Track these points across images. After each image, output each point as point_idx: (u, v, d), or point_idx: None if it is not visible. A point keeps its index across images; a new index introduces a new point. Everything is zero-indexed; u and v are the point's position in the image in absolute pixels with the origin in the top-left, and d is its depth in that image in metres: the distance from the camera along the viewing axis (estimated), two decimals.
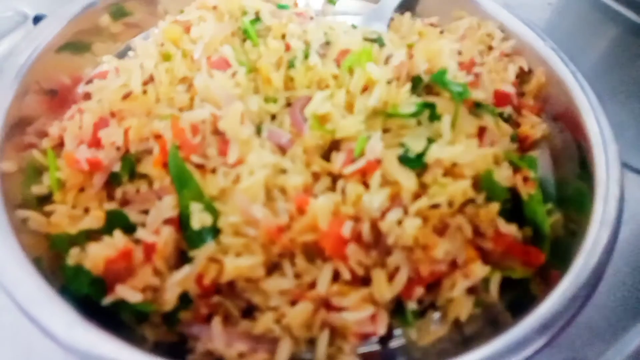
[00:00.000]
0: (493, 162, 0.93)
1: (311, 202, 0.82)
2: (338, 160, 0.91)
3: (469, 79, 1.02)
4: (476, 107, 1.00)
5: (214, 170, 0.88)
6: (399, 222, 0.83)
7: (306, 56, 1.02)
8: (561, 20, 1.33)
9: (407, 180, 0.86)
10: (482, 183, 0.90)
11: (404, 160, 0.89)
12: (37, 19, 1.33)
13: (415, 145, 0.89)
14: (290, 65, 1.03)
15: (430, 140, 0.90)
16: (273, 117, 1.02)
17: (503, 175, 0.92)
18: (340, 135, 0.93)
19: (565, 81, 1.02)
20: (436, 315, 0.89)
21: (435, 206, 0.84)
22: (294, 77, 1.02)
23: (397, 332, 0.88)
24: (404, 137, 0.92)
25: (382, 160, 0.87)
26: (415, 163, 0.89)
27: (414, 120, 0.94)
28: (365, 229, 0.83)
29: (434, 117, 0.95)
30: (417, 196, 0.87)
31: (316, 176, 0.93)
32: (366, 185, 0.88)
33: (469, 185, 0.86)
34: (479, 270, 0.84)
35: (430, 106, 0.95)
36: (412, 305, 0.84)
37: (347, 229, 0.80)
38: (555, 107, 1.05)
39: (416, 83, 1.01)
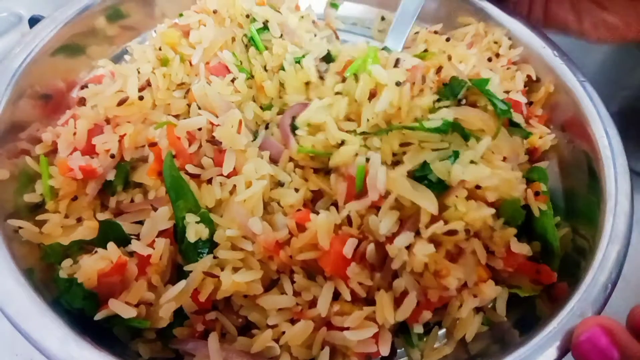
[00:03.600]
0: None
1: (312, 218, 0.79)
2: (339, 190, 0.86)
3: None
4: (510, 127, 0.94)
5: (209, 181, 0.86)
6: (409, 246, 0.79)
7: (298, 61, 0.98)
8: None
9: (429, 203, 0.79)
10: (505, 210, 0.86)
11: (425, 183, 0.82)
12: (32, 21, 1.31)
13: (441, 170, 0.82)
14: (281, 68, 1.00)
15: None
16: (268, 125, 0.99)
17: (519, 192, 0.87)
18: (334, 163, 0.88)
19: (574, 90, 0.99)
20: (441, 332, 0.87)
21: (451, 232, 0.78)
22: (284, 80, 0.99)
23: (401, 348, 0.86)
24: (425, 152, 0.85)
25: (393, 187, 0.81)
26: (438, 187, 0.82)
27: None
28: (370, 250, 0.80)
29: (465, 136, 0.87)
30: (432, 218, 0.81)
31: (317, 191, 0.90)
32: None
33: (491, 214, 0.81)
34: (490, 290, 0.82)
35: (458, 127, 0.87)
36: (417, 329, 0.82)
37: (349, 249, 0.77)
38: (564, 117, 1.02)
39: (455, 87, 0.93)
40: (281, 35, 1.07)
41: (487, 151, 0.86)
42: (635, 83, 1.25)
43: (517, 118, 0.94)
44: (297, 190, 0.88)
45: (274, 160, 0.92)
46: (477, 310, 0.85)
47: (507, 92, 1.02)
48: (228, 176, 0.84)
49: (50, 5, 1.04)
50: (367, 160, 0.83)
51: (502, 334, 0.84)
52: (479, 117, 0.88)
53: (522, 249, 0.84)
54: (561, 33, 1.09)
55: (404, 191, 0.79)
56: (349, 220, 0.83)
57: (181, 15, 1.10)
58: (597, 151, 0.91)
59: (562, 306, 0.77)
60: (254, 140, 0.93)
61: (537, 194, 0.90)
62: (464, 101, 0.92)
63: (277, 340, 0.76)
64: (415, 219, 0.81)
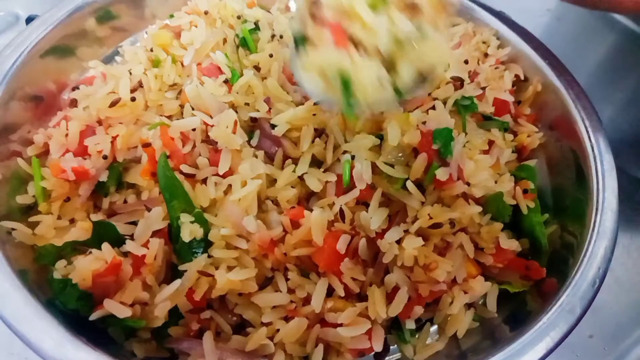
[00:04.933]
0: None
1: (306, 215, 0.80)
2: (328, 189, 0.88)
3: (477, 92, 1.00)
4: (484, 120, 0.99)
5: (204, 181, 0.86)
6: (399, 241, 0.81)
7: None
8: (560, 26, 1.33)
9: (414, 201, 0.84)
10: (490, 205, 0.88)
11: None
12: (29, 21, 1.30)
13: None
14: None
15: None
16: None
17: (506, 189, 0.90)
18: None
19: (561, 90, 1.01)
20: (433, 328, 0.87)
21: (437, 225, 0.82)
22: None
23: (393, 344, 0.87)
24: None
25: (379, 184, 0.85)
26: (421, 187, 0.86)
27: None
28: (362, 245, 0.81)
29: None
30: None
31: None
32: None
33: (478, 211, 0.85)
34: (480, 286, 0.83)
35: None
36: (410, 325, 0.83)
37: (342, 244, 0.79)
38: (551, 116, 1.04)
39: None
40: (272, 35, 1.08)
41: (464, 148, 0.90)
42: (630, 86, 1.26)
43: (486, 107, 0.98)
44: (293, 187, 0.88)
45: (270, 159, 0.92)
46: (468, 306, 0.86)
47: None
48: (223, 176, 0.84)
49: (48, 6, 1.03)
50: (353, 157, 0.86)
51: (493, 330, 0.85)
52: (442, 119, 0.90)
53: (511, 244, 0.86)
54: (589, 6, 1.00)
55: (388, 187, 0.84)
56: (341, 217, 0.84)
57: (172, 16, 1.10)
58: (584, 149, 0.93)
59: (551, 301, 0.78)
60: (250, 140, 0.93)
61: (525, 191, 0.92)
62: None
63: (271, 338, 0.77)
64: (403, 213, 0.84)
